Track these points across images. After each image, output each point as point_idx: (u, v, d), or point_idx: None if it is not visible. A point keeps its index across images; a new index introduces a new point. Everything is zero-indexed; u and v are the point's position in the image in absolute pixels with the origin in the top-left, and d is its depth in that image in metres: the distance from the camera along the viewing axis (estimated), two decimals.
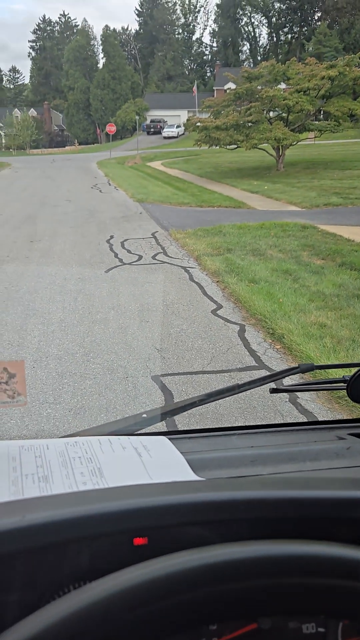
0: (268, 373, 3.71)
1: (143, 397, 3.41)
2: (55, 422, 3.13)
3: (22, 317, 4.98)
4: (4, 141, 62.02)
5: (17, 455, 0.72)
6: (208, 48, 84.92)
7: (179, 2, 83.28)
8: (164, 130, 51.89)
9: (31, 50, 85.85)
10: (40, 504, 0.58)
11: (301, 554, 0.51)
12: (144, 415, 0.96)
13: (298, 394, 3.39)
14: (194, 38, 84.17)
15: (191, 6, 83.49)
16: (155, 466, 0.73)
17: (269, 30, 78.07)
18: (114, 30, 71.57)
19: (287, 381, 3.01)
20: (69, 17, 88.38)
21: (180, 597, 0.47)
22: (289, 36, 76.58)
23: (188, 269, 6.77)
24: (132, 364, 3.91)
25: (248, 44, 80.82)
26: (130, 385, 3.58)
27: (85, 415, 3.21)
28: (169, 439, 0.85)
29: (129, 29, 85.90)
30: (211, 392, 1.02)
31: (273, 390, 1.09)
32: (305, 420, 3.11)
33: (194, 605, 0.48)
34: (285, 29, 76.59)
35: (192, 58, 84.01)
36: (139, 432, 0.92)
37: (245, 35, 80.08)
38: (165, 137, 50.40)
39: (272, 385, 1.11)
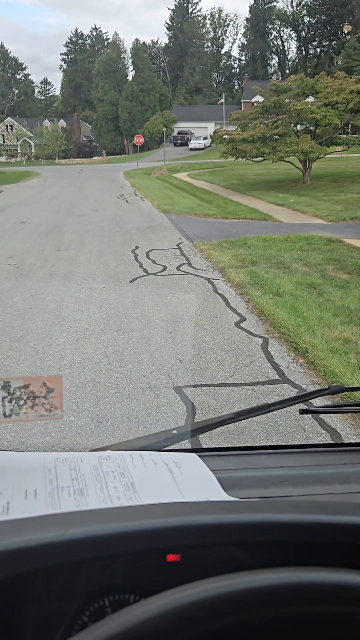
0: (291, 387, 3.70)
1: (165, 408, 3.42)
2: (78, 430, 3.16)
3: (48, 325, 5.05)
4: (33, 151, 63.31)
5: (53, 467, 0.75)
6: (236, 61, 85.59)
7: (209, 16, 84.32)
8: (191, 141, 52.27)
9: (62, 63, 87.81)
10: (80, 518, 0.60)
11: (339, 582, 0.51)
12: (175, 432, 0.98)
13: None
14: (222, 51, 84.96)
15: (221, 20, 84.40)
16: (186, 483, 0.75)
17: (298, 44, 78.31)
18: (144, 43, 72.80)
19: (316, 401, 2.98)
20: (100, 31, 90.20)
21: (218, 621, 0.48)
22: (318, 50, 76.64)
23: (212, 280, 6.79)
24: (154, 374, 3.92)
25: (277, 58, 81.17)
26: (152, 395, 3.59)
27: (107, 424, 3.23)
28: (199, 456, 0.87)
29: (159, 42, 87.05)
30: (241, 410, 1.04)
31: (303, 412, 1.09)
32: (329, 437, 3.08)
33: (230, 630, 0.49)
34: (315, 43, 76.70)
35: (220, 71, 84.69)
36: (168, 447, 0.94)
37: (274, 49, 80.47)
38: (191, 149, 50.75)
39: (302, 405, 1.11)
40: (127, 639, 0.44)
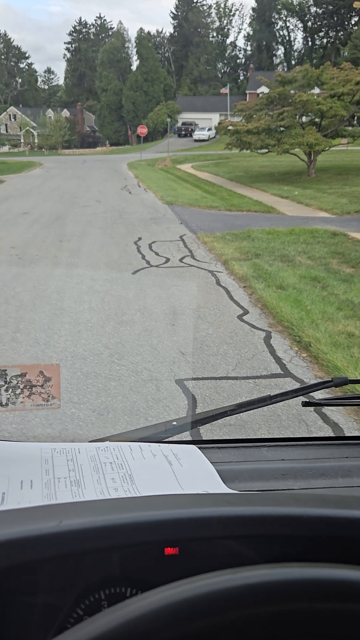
0: (294, 381, 3.68)
1: (167, 401, 3.41)
2: (79, 422, 3.15)
3: (50, 316, 5.03)
4: (36, 141, 63.04)
5: (50, 458, 0.74)
6: (242, 51, 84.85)
7: (214, 6, 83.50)
8: (195, 133, 51.96)
9: (66, 52, 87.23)
10: (75, 509, 0.59)
11: (342, 579, 0.50)
12: (174, 423, 0.96)
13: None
14: (228, 41, 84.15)
15: (226, 9, 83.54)
16: (185, 476, 0.73)
17: (304, 35, 77.55)
18: (149, 33, 72.19)
19: (318, 394, 2.96)
20: (105, 20, 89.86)
21: (219, 617, 0.47)
22: (325, 40, 75.91)
23: (215, 273, 6.75)
24: (156, 366, 3.91)
25: (282, 48, 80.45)
26: (154, 388, 3.58)
27: (108, 416, 3.22)
28: (199, 448, 0.85)
29: (164, 31, 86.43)
30: (242, 402, 1.02)
31: (305, 404, 1.07)
32: (331, 431, 3.06)
33: (231, 626, 0.47)
34: (321, 33, 75.96)
35: (225, 61, 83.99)
36: (168, 439, 0.92)
37: (279, 39, 79.72)
38: (196, 140, 50.46)
39: (304, 398, 1.09)
40: (117, 637, 0.43)
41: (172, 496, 0.65)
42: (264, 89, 27.04)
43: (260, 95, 21.39)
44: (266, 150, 18.65)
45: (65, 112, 69.87)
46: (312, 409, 3.29)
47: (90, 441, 0.85)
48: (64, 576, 0.54)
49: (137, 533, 0.55)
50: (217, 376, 3.78)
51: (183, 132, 54.81)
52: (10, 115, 67.40)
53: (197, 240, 8.87)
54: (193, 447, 0.85)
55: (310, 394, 1.09)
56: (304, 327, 4.54)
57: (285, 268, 6.71)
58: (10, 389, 0.76)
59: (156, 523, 0.56)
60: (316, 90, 19.74)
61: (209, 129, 50.65)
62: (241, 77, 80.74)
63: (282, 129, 17.60)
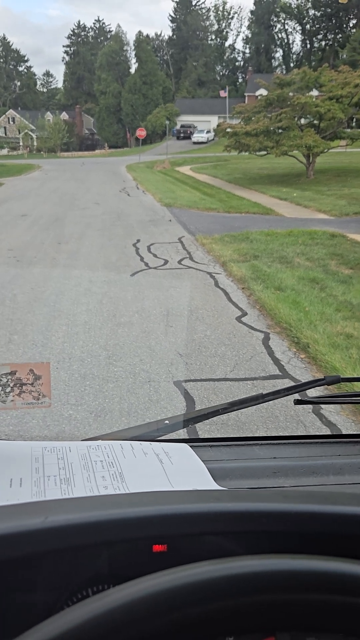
0: (292, 382, 3.67)
1: (164, 402, 3.39)
2: (77, 423, 3.14)
3: (47, 318, 5.02)
4: (35, 144, 63.10)
5: (40, 456, 0.73)
6: (240, 54, 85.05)
7: (213, 9, 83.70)
8: (194, 135, 52.01)
9: (65, 55, 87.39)
10: (61, 506, 0.58)
11: (323, 571, 0.49)
12: (166, 422, 0.96)
13: (322, 405, 3.33)
14: (226, 44, 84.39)
15: (225, 12, 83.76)
16: (176, 473, 0.73)
17: (303, 37, 77.74)
18: (147, 36, 72.21)
19: (312, 392, 2.95)
20: (103, 23, 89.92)
21: (199, 607, 0.46)
22: (323, 43, 76.09)
23: (214, 274, 6.75)
24: (154, 368, 3.90)
25: (281, 51, 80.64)
26: (152, 389, 3.56)
27: (106, 418, 3.20)
28: (191, 446, 0.85)
29: (162, 34, 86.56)
30: (235, 400, 1.01)
31: (297, 402, 1.07)
32: (329, 433, 3.04)
33: (213, 617, 0.47)
34: (319, 36, 76.15)
35: (224, 64, 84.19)
36: (160, 438, 0.92)
37: (278, 42, 79.90)
38: (194, 143, 50.50)
39: (297, 396, 1.08)
40: (91, 629, 0.42)
41: (160, 493, 0.64)
42: (262, 92, 27.08)
43: (258, 97, 21.42)
44: (265, 153, 18.67)
45: (64, 115, 69.95)
46: (310, 409, 3.28)
47: (82, 440, 0.84)
48: (49, 573, 0.53)
49: (124, 529, 0.54)
50: (215, 377, 3.77)
51: (182, 135, 54.86)
52: (9, 118, 67.48)
53: (196, 242, 8.86)
54: (184, 445, 0.85)
55: (303, 392, 1.08)
56: (303, 329, 4.53)
57: (284, 269, 6.70)
58: (0, 387, 0.76)
59: (143, 519, 0.55)
60: (315, 93, 19.78)
61: (208, 132, 50.70)
62: (240, 80, 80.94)
63: (280, 130, 17.63)
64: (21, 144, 63.97)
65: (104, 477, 0.69)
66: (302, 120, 19.19)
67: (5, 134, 66.27)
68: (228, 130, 19.32)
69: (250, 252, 7.76)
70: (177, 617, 0.45)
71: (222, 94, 57.74)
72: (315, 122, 18.78)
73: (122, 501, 0.60)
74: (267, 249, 7.98)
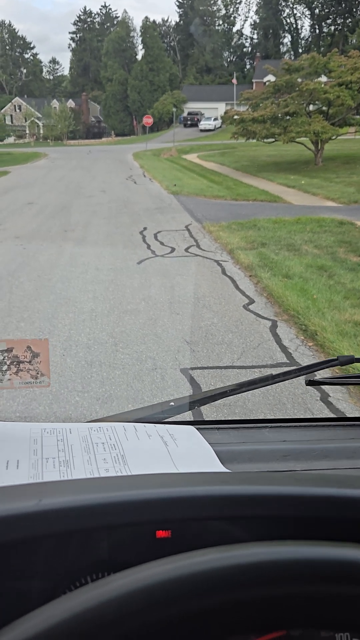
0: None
1: (171, 389, 3.38)
2: (83, 410, 3.13)
3: (54, 306, 5.01)
4: (42, 132, 62.82)
5: (39, 438, 0.70)
6: (248, 40, 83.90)
7: None
8: (201, 122, 51.55)
9: (71, 42, 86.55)
10: (58, 488, 0.55)
11: (344, 559, 0.45)
12: (172, 404, 0.92)
13: (331, 392, 3.30)
14: (234, 30, 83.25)
15: None
16: (181, 456, 0.70)
17: (312, 22, 76.53)
18: (154, 21, 71.41)
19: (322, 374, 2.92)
20: (110, 9, 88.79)
21: (202, 601, 0.42)
22: (332, 28, 74.86)
23: (221, 262, 6.70)
24: (161, 355, 3.88)
25: (289, 36, 79.46)
26: (158, 376, 3.55)
27: (112, 404, 3.20)
28: (197, 429, 0.82)
29: (169, 20, 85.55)
30: (243, 382, 0.97)
31: (309, 382, 1.02)
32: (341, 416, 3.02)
33: (216, 611, 0.43)
34: (329, 21, 74.90)
35: (231, 50, 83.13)
36: (166, 420, 0.89)
37: (287, 27, 78.72)
38: (201, 130, 50.08)
39: (308, 378, 1.05)
40: (81, 624, 0.39)
41: (164, 475, 0.61)
42: (270, 78, 26.71)
43: (266, 84, 21.15)
44: (272, 140, 18.45)
45: (71, 103, 69.47)
46: (318, 397, 3.25)
47: (84, 422, 0.82)
48: (43, 559, 0.49)
49: (125, 513, 0.51)
50: (222, 365, 3.75)
51: (189, 122, 54.40)
52: (15, 106, 67.14)
53: (203, 230, 8.80)
54: (190, 427, 0.81)
55: (314, 373, 1.04)
56: (310, 316, 4.49)
57: (292, 257, 6.64)
58: None
59: (145, 502, 0.52)
60: (323, 79, 19.47)
61: (215, 119, 50.20)
62: (247, 66, 79.94)
63: (288, 117, 17.40)
64: (27, 132, 63.72)
65: (105, 459, 0.67)
66: (311, 107, 18.94)
67: (12, 122, 65.97)
68: (235, 117, 19.12)
69: (258, 239, 7.70)
70: (176, 611, 0.41)
71: (234, 81, 57.03)
72: (324, 108, 18.53)
73: (123, 483, 0.57)
74: (274, 236, 7.91)
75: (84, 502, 0.51)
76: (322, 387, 3.38)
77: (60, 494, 0.52)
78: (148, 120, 34.73)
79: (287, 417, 1.18)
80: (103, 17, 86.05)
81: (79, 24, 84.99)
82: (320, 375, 1.37)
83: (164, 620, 0.41)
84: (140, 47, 69.32)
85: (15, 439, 0.69)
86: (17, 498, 0.51)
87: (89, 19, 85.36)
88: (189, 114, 55.82)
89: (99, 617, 0.39)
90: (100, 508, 0.51)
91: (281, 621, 0.47)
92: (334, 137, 17.97)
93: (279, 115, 17.43)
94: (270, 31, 76.88)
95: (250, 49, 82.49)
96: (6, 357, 0.72)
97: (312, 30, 77.55)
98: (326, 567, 0.45)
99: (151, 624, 0.40)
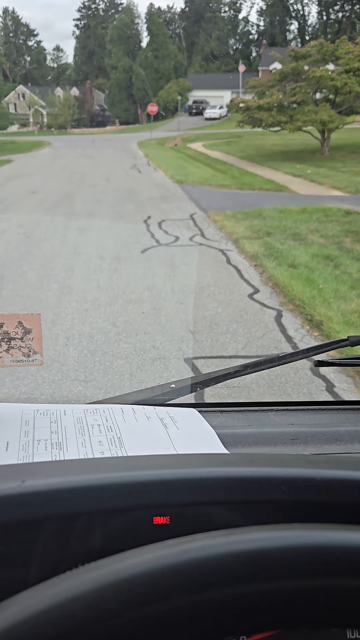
0: (306, 361, 3.60)
1: (174, 379, 3.33)
2: (86, 400, 3.09)
3: (57, 295, 4.97)
4: (45, 120, 62.48)
5: (32, 419, 0.66)
6: (254, 27, 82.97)
7: None
8: (206, 111, 51.05)
9: (75, 29, 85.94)
10: (45, 469, 0.51)
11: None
12: (172, 386, 0.88)
13: (336, 382, 3.26)
14: (240, 16, 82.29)
15: None
16: (181, 439, 0.66)
17: (319, 9, 75.56)
18: (159, 8, 70.78)
19: (325, 356, 2.88)
20: None
21: (193, 596, 0.35)
22: (340, 14, 73.85)
23: (225, 251, 6.63)
24: (164, 345, 3.84)
25: (296, 23, 78.46)
26: (161, 366, 3.52)
27: (115, 394, 3.16)
28: (199, 411, 0.77)
29: (174, 7, 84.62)
30: (248, 363, 0.91)
31: (318, 363, 0.96)
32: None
33: (212, 608, 0.36)
34: (336, 7, 73.85)
35: (237, 37, 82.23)
36: (166, 403, 0.84)
37: (293, 14, 77.74)
38: (207, 119, 49.59)
39: (317, 358, 0.98)
40: (54, 620, 0.33)
41: (161, 456, 0.57)
42: (277, 65, 26.38)
43: (273, 71, 20.90)
44: (278, 128, 18.26)
45: (75, 91, 68.96)
46: (323, 388, 3.21)
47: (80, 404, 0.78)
48: (25, 547, 0.45)
49: (119, 496, 0.47)
50: (226, 355, 3.71)
51: (194, 111, 53.87)
52: (19, 94, 66.70)
53: (208, 219, 8.73)
54: (192, 410, 0.77)
55: (323, 354, 0.99)
56: (316, 306, 4.44)
57: (297, 246, 6.57)
58: None
59: (141, 484, 0.47)
60: (331, 67, 19.21)
61: (221, 107, 49.71)
62: (254, 54, 79.10)
63: (294, 105, 17.21)
64: (31, 120, 63.37)
65: (100, 442, 0.63)
66: (318, 95, 18.71)
67: (15, 111, 65.61)
68: (241, 105, 18.91)
69: (263, 229, 7.62)
70: (160, 608, 0.35)
71: (241, 68, 56.43)
72: (331, 96, 18.31)
73: (116, 464, 0.53)
74: (280, 225, 7.83)
75: (72, 484, 0.46)
76: (327, 377, 3.34)
77: (46, 475, 0.48)
78: (153, 108, 34.44)
79: (295, 401, 1.13)
80: (107, 4, 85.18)
81: (83, 10, 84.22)
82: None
83: (142, 621, 0.34)
84: (145, 34, 68.77)
85: (6, 420, 0.65)
86: (1, 479, 0.47)
87: (93, 6, 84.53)
88: (194, 102, 55.31)
89: (55, 622, 0.33)
90: (90, 491, 0.46)
91: (291, 617, 0.40)
92: (341, 126, 17.76)
93: (285, 103, 17.23)
94: (277, 18, 75.95)
95: (256, 36, 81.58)
96: None
97: (319, 17, 76.58)
98: (344, 554, 0.38)
99: (126, 628, 0.34)
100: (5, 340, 0.67)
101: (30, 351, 0.68)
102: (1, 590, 0.41)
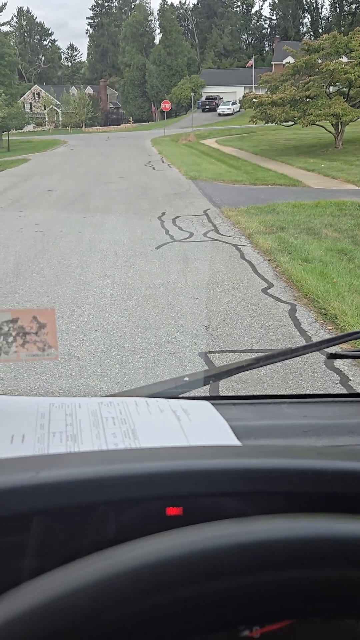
0: (320, 355, 3.62)
1: (189, 372, 3.38)
2: (102, 394, 3.16)
3: (73, 291, 5.05)
4: (60, 119, 62.80)
5: (47, 412, 0.68)
6: (267, 21, 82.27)
7: None
8: (219, 107, 50.90)
9: (89, 28, 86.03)
10: (58, 460, 0.52)
11: None
12: (186, 379, 0.89)
13: (351, 376, 3.28)
14: (252, 11, 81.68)
15: None
16: (195, 431, 0.67)
17: (332, 1, 74.60)
18: (172, 4, 70.47)
19: (337, 349, 2.90)
20: None
21: (199, 586, 0.36)
22: (353, 6, 72.84)
23: (239, 246, 6.66)
24: (179, 339, 3.89)
25: (309, 16, 77.61)
26: (176, 360, 3.56)
27: (132, 388, 3.22)
28: (212, 404, 0.78)
29: (187, 3, 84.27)
30: (260, 356, 0.92)
31: (331, 356, 0.98)
32: None
33: (217, 599, 0.36)
34: None
35: (250, 32, 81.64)
36: (180, 396, 0.86)
37: (306, 7, 76.90)
38: (220, 115, 49.46)
39: (330, 350, 0.99)
40: (50, 614, 0.33)
41: (174, 448, 0.59)
42: (290, 60, 26.19)
43: (285, 66, 20.74)
44: (292, 123, 18.16)
45: (89, 89, 69.21)
46: (337, 381, 3.23)
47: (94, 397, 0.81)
48: (39, 537, 0.45)
49: (132, 487, 0.47)
50: (240, 349, 3.74)
51: (207, 107, 53.75)
52: (34, 93, 67.12)
53: (221, 215, 8.74)
54: (205, 402, 0.78)
55: (336, 347, 1.00)
56: (330, 300, 4.45)
57: (311, 241, 6.56)
58: (2, 337, 0.69)
59: (154, 475, 0.48)
60: (344, 59, 19.01)
61: (234, 103, 49.53)
62: (266, 48, 78.48)
63: (307, 99, 17.07)
64: (47, 119, 63.77)
65: (114, 434, 0.64)
66: (331, 88, 18.53)
67: (31, 110, 66.00)
68: (254, 100, 18.82)
69: (277, 224, 7.62)
70: (167, 599, 0.35)
71: (250, 64, 56.13)
72: (345, 89, 18.13)
73: (129, 455, 0.54)
74: (293, 220, 7.82)
75: (85, 475, 0.47)
76: (342, 370, 3.36)
77: (60, 466, 0.49)
78: (166, 105, 34.46)
79: (308, 393, 1.13)
80: (120, 2, 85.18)
81: (96, 9, 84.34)
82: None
83: (149, 609, 0.35)
84: (158, 31, 68.55)
85: (22, 414, 0.67)
86: (14, 471, 0.48)
87: (106, 4, 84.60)
88: (207, 98, 55.16)
89: (70, 608, 0.34)
90: (103, 481, 0.47)
91: (308, 608, 0.40)
92: (355, 119, 17.58)
93: (298, 98, 17.11)
94: (290, 11, 75.24)
95: (269, 30, 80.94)
96: (11, 328, 0.68)
97: (332, 9, 75.65)
98: (355, 545, 0.38)
99: (127, 620, 0.34)
100: (20, 335, 0.69)
101: (45, 345, 0.69)
102: (15, 581, 0.42)
